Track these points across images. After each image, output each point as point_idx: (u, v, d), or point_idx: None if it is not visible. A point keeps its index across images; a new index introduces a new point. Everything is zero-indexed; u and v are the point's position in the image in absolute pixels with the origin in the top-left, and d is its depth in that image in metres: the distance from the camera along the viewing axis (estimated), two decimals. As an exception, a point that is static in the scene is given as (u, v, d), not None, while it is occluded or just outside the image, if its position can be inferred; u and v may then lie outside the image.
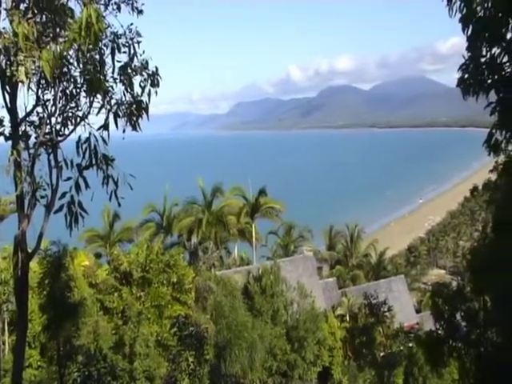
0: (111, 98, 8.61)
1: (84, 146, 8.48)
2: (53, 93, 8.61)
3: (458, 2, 8.66)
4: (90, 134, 8.50)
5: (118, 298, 26.66)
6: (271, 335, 34.85)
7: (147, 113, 8.78)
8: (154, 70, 8.65)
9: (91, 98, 8.57)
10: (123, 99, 8.65)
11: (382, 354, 42.64)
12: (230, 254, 55.73)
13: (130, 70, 8.54)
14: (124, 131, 8.72)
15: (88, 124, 8.65)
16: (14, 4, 7.78)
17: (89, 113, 8.68)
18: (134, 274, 27.12)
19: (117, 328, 25.95)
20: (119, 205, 8.61)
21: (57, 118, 8.85)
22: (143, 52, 8.55)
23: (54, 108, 8.72)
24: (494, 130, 8.83)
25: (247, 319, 31.84)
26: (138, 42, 8.49)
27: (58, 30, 8.13)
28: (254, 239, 52.33)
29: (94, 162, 8.49)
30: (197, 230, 47.56)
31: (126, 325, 25.89)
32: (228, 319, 30.57)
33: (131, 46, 8.45)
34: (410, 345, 39.61)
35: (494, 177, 17.07)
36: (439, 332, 18.24)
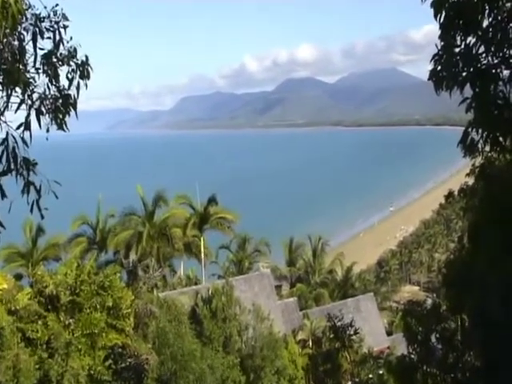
0: (33, 91, 8.44)
1: (0, 149, 8.29)
2: (-38, 85, 8.41)
3: (430, -16, 8.84)
4: (7, 133, 8.31)
5: (43, 327, 26.09)
6: (223, 365, 34.75)
7: (75, 109, 8.64)
8: (84, 59, 8.53)
9: (9, 92, 8.38)
10: (47, 93, 8.50)
11: (348, 383, 43.16)
12: (175, 273, 55.45)
13: (54, 59, 8.39)
14: (48, 131, 8.57)
15: (5, 122, 8.46)
16: None
17: (6, 109, 8.49)
18: (62, 298, 26.61)
19: (41, 362, 25.37)
20: (42, 217, 8.45)
21: (-33, 115, 8.64)
22: (71, 38, 8.42)
23: (-37, 103, 8.51)
24: (469, 129, 9.04)
25: (195, 347, 31.66)
26: (65, 27, 8.35)
27: (-32, 11, 7.96)
28: (202, 255, 52.20)
29: (12, 166, 8.30)
30: (136, 246, 47.17)
31: (52, 358, 25.36)
32: (173, 348, 30.33)
33: (56, 31, 8.30)
34: (381, 372, 40.21)
35: (471, 181, 17.53)
36: (412, 356, 18.60)
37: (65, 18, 8.34)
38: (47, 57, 8.34)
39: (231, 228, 55.93)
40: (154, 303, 31.49)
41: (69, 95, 8.56)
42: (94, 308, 26.91)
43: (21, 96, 8.39)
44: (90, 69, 8.57)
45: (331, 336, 42.71)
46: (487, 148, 9.39)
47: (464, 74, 8.81)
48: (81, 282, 27.20)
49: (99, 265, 42.95)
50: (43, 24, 8.22)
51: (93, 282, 27.45)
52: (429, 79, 9.07)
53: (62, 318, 26.53)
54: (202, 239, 52.73)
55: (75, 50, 8.45)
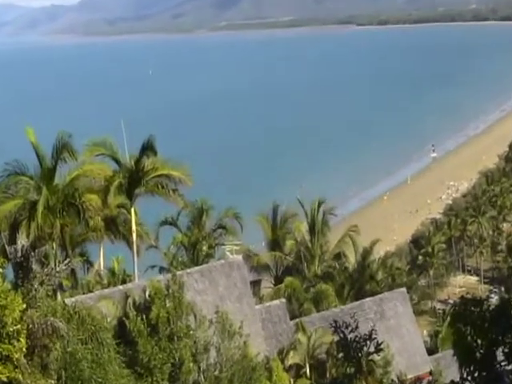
0: None
1: None
2: None
3: None
4: None
5: None
6: (171, 408, 35.10)
7: None
8: None
9: None
10: None
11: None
12: (91, 266, 55.35)
13: None
14: None
15: None
16: None
17: None
18: None
19: None
20: None
21: None
22: None
23: None
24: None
25: (125, 382, 31.85)
26: None
27: None
28: (134, 235, 52.04)
29: None
30: (27, 224, 46.94)
31: None
32: (90, 384, 30.49)
33: None
34: (419, 411, 40.89)
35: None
36: (467, 384, 18.80)
37: None
38: None
39: (179, 192, 55.64)
40: (57, 314, 31.52)
41: None
42: (-39, 325, 26.93)
43: None
44: None
45: (340, 356, 43.06)
46: None
47: None
48: None
49: (-32, 256, 42.74)
50: None
51: (-42, 283, 27.42)
52: None
53: None
54: (132, 211, 52.52)
55: None
